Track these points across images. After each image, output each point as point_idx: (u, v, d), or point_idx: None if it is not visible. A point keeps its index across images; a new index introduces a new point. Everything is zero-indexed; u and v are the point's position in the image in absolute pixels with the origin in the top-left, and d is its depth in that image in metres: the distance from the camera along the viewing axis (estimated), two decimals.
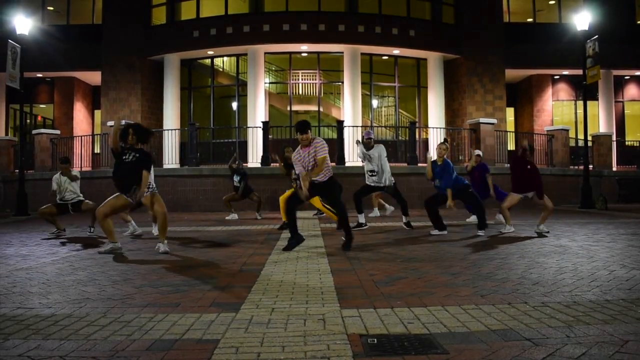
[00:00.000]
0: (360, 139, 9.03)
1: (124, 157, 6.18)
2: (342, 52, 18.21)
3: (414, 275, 4.49)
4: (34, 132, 16.67)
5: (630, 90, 21.92)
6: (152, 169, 6.81)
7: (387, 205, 11.06)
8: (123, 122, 6.66)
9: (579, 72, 14.50)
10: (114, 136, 6.32)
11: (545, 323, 2.98)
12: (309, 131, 6.02)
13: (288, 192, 8.66)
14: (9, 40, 13.20)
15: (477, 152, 9.80)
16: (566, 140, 16.48)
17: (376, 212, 10.98)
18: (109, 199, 6.23)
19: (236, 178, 11.03)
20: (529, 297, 3.61)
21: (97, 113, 21.27)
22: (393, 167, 9.61)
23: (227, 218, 10.96)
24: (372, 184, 8.52)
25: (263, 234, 8.13)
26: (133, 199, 6.18)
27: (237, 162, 11.12)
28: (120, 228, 8.95)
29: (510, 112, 21.61)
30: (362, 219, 8.49)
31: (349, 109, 17.84)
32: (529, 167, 7.75)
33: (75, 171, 8.82)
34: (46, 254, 6.12)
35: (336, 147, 14.88)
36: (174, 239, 7.39)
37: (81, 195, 8.72)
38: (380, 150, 8.35)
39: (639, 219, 10.17)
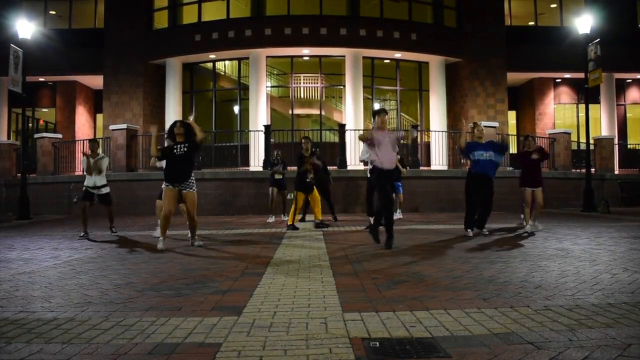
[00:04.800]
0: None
1: (175, 151, 6.56)
2: (344, 56, 18.24)
3: (416, 278, 4.49)
4: (36, 136, 16.68)
5: (632, 94, 21.88)
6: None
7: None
8: (151, 131, 6.90)
9: (581, 75, 14.49)
10: (154, 143, 6.70)
11: (547, 326, 2.97)
12: None
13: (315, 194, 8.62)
14: (11, 45, 13.25)
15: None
16: (568, 144, 16.46)
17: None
18: (163, 200, 6.72)
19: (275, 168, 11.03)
20: (531, 301, 3.60)
21: (99, 117, 21.32)
22: None
23: (269, 221, 10.90)
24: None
25: (266, 236, 8.12)
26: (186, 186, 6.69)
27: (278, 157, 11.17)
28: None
29: (512, 116, 21.60)
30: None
31: (350, 113, 17.86)
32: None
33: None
34: (48, 257, 6.13)
35: (338, 151, 14.90)
36: (177, 242, 7.39)
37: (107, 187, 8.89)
38: None
39: None
